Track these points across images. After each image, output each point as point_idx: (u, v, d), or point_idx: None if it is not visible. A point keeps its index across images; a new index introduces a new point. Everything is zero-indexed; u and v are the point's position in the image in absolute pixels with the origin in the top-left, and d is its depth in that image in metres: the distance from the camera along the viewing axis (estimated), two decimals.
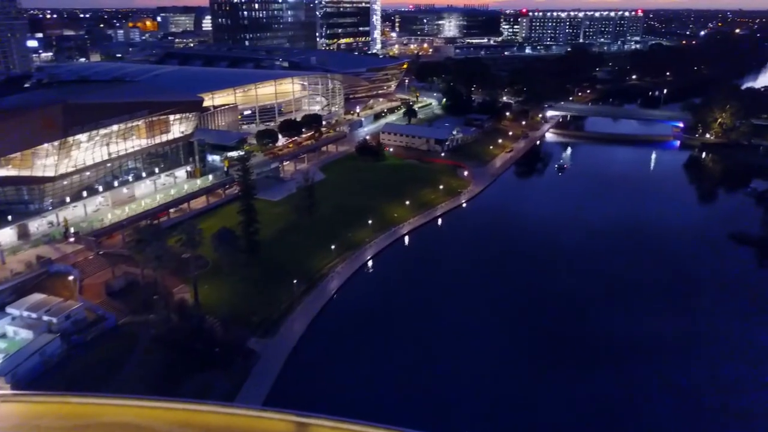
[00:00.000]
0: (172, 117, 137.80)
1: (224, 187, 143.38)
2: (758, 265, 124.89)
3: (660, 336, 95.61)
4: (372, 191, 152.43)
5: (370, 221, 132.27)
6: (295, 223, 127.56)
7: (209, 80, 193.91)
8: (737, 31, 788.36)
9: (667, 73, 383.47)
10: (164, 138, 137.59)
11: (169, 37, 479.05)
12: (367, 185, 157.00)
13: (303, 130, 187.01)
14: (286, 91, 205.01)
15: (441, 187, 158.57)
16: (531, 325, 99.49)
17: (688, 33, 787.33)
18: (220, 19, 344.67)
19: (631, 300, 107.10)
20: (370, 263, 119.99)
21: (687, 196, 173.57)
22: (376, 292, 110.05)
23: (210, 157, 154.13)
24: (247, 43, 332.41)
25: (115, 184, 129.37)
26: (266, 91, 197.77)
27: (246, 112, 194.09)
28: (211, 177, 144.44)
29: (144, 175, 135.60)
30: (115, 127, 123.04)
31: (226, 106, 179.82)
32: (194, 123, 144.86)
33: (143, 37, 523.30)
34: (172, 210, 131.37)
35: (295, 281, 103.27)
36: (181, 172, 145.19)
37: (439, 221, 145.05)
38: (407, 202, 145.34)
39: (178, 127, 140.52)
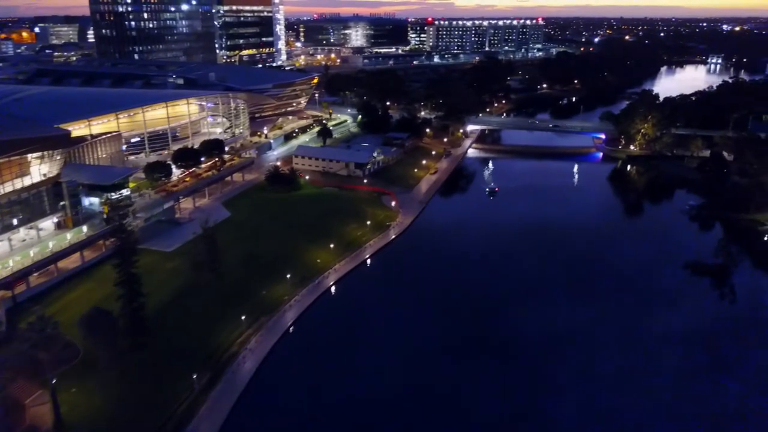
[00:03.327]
0: (29, 156, 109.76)
1: (104, 238, 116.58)
2: (721, 297, 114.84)
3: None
4: (288, 231, 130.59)
5: (288, 273, 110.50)
6: (194, 283, 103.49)
7: (86, 104, 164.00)
8: (627, 38, 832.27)
9: (575, 81, 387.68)
10: (19, 183, 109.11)
11: (47, 50, 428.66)
12: (282, 223, 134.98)
13: (202, 158, 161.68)
14: (181, 113, 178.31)
15: (368, 222, 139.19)
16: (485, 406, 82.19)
17: (583, 40, 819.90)
18: (103, 30, 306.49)
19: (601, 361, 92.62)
20: (292, 330, 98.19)
21: (627, 218, 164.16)
22: (303, 372, 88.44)
23: (86, 201, 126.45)
24: (136, 56, 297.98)
25: None
26: (157, 115, 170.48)
27: (133, 140, 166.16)
28: (85, 227, 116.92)
29: None
30: None
31: (108, 135, 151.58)
32: (60, 161, 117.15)
33: (18, 50, 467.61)
34: (34, 275, 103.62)
35: (195, 375, 79.68)
36: (47, 223, 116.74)
37: (369, 262, 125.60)
38: (331, 245, 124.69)
39: (39, 168, 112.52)
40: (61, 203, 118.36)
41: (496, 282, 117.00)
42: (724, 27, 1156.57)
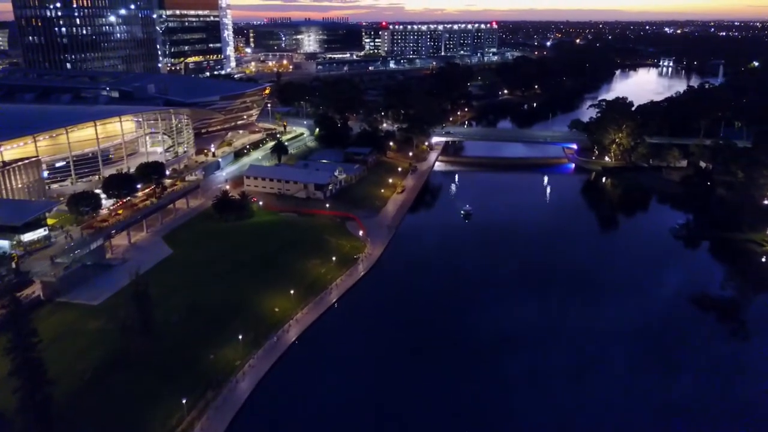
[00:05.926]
0: None
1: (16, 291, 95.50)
2: (733, 336, 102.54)
3: None
4: (239, 271, 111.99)
5: (240, 329, 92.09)
6: (123, 350, 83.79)
7: None
8: (577, 41, 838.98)
9: (536, 86, 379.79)
10: None
11: None
12: (232, 261, 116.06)
13: (138, 185, 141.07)
14: (114, 132, 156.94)
15: (332, 256, 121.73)
16: None
17: (536, 44, 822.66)
18: (30, 37, 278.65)
19: None
20: (247, 407, 79.80)
21: (617, 241, 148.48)
22: None
23: None
24: (69, 66, 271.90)
25: None
26: (85, 134, 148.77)
27: (58, 164, 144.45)
28: None
29: None
30: None
31: (24, 162, 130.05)
32: None
33: None
34: None
35: None
36: None
37: (336, 306, 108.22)
38: (291, 288, 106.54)
39: None
40: None
41: (487, 327, 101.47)
42: (666, 30, 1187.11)
